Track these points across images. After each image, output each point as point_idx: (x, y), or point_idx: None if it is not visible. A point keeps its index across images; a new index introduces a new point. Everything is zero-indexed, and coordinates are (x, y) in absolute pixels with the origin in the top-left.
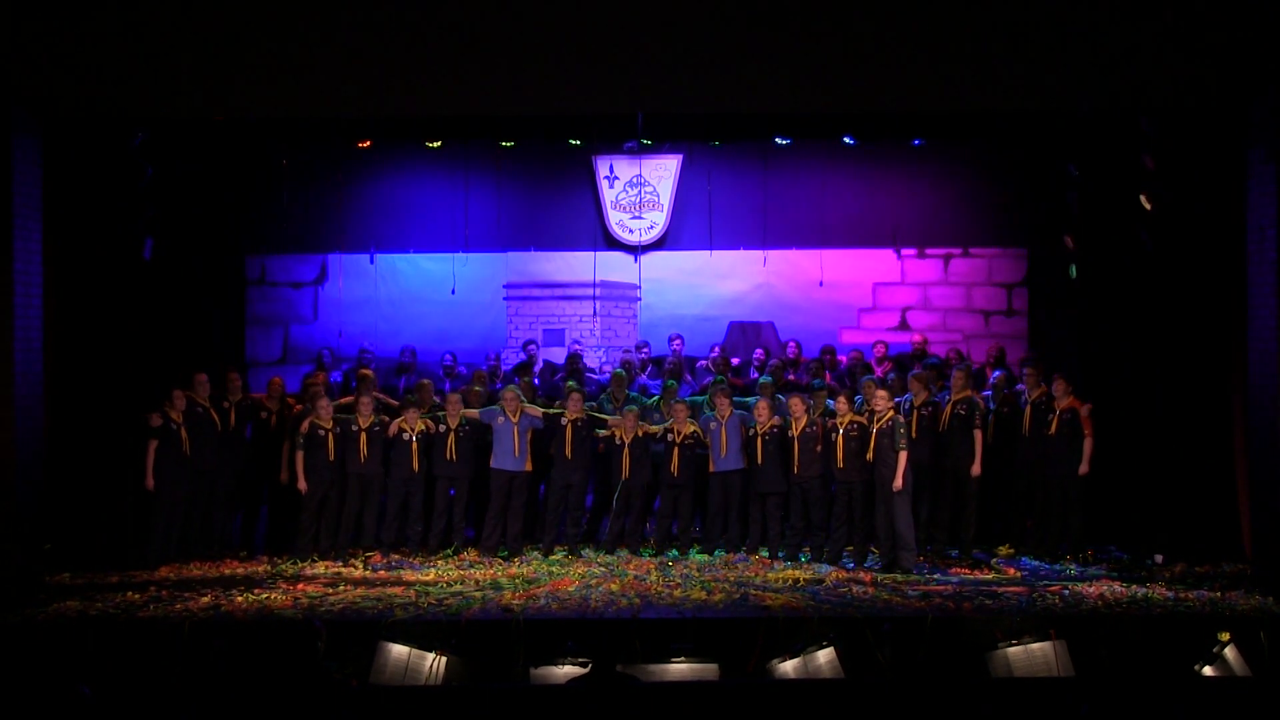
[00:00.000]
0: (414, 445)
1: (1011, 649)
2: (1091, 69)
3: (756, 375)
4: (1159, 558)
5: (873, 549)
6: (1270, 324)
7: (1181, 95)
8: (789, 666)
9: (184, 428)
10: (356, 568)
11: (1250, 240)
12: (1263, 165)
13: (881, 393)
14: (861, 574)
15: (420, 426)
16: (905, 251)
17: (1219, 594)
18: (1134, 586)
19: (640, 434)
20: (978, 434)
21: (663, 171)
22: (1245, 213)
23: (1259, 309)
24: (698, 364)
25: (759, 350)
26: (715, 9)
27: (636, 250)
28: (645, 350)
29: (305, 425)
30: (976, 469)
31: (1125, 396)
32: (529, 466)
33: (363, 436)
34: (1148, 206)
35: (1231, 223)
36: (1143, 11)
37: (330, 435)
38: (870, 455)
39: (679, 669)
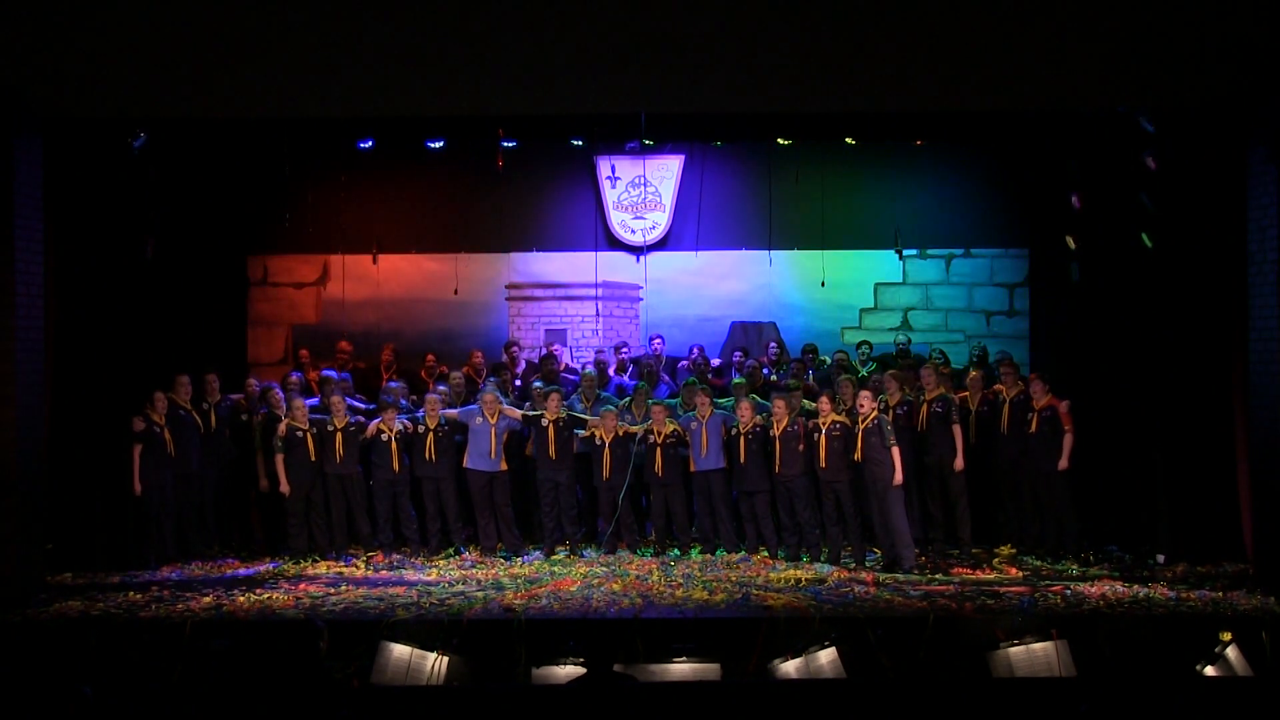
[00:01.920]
0: (393, 446)
1: (1013, 649)
2: (1092, 69)
3: (737, 376)
4: (1161, 558)
5: (874, 549)
6: (1271, 324)
7: (1183, 95)
8: (791, 666)
9: (167, 430)
10: (359, 568)
11: (1251, 240)
12: (1263, 166)
13: (866, 392)
14: (864, 574)
15: (398, 428)
16: (907, 252)
17: (1221, 594)
18: (1136, 586)
19: (621, 434)
20: (956, 429)
21: (665, 172)
22: (1246, 213)
23: (1260, 309)
24: (679, 364)
25: (737, 353)
26: (716, 9)
27: (639, 251)
28: (624, 351)
29: (282, 428)
30: (959, 463)
31: (1126, 396)
32: (504, 466)
33: (338, 436)
34: (1149, 207)
35: (1232, 223)
36: (1144, 12)
37: (308, 436)
38: (858, 455)
39: (680, 669)
